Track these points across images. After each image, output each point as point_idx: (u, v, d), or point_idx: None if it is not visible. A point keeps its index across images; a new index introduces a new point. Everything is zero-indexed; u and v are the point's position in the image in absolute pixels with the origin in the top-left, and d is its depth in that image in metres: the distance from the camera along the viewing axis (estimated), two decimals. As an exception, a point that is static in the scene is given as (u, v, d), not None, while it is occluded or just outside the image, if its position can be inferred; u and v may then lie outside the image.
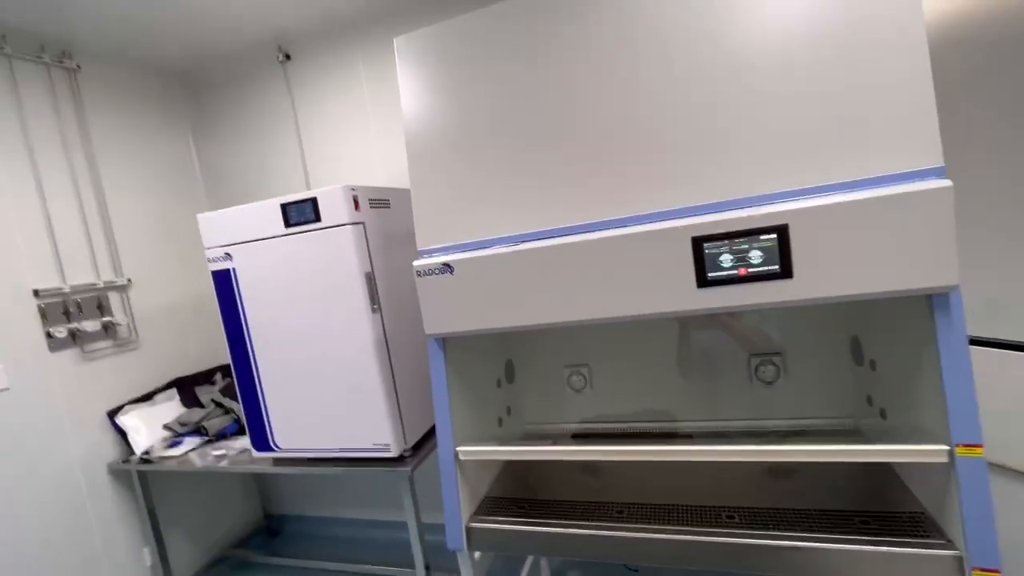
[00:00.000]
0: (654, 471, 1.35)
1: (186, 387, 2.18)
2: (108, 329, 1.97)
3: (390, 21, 1.98)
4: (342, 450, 1.55)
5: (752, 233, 0.95)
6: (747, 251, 0.96)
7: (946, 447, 0.91)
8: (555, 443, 1.29)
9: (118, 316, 2.00)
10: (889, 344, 1.17)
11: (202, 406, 2.11)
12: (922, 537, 0.97)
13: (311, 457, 1.60)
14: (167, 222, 2.27)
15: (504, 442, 1.43)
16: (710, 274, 0.99)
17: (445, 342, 1.26)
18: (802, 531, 1.03)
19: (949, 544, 0.94)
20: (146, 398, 2.05)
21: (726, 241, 0.97)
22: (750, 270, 0.96)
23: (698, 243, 0.99)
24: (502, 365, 1.64)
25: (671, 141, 1.02)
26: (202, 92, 2.36)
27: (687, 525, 1.11)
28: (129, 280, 2.07)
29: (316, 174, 2.21)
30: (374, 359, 1.44)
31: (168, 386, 2.14)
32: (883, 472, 1.21)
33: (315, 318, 1.48)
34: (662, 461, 1.10)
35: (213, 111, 2.35)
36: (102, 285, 1.97)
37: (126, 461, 1.91)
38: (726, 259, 0.98)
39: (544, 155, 1.12)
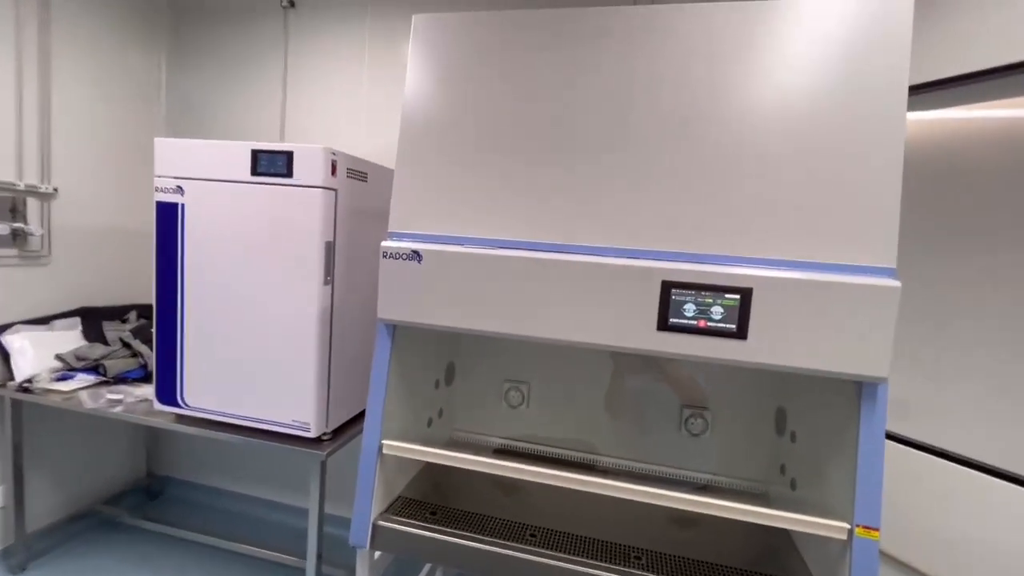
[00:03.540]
0: (566, 499, 1.35)
1: (92, 319, 1.98)
2: (17, 236, 1.75)
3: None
4: (257, 420, 1.45)
5: (719, 289, 0.99)
6: (711, 305, 0.99)
7: (847, 525, 0.97)
8: (491, 455, 1.26)
9: (32, 225, 1.79)
10: (812, 420, 1.24)
11: (106, 343, 1.92)
12: (807, 606, 1.02)
13: (219, 421, 1.49)
14: (117, 142, 2.07)
15: (431, 444, 1.38)
16: (672, 319, 1.01)
17: (395, 329, 1.22)
18: (703, 583, 1.06)
19: (831, 616, 0.99)
20: (43, 321, 1.84)
21: (693, 291, 1.00)
22: (709, 324, 1.00)
23: (667, 287, 1.01)
24: (443, 366, 1.60)
25: (655, 186, 1.05)
26: (187, 17, 2.20)
27: (599, 560, 1.12)
28: (55, 190, 1.87)
29: (292, 130, 2.11)
30: (315, 333, 1.37)
31: (72, 313, 1.94)
32: (781, 538, 1.28)
33: (261, 277, 1.38)
34: (575, 490, 1.11)
35: (196, 40, 2.20)
36: (22, 187, 1.76)
37: (2, 386, 1.69)
38: (690, 308, 1.01)
39: (533, 169, 1.12)
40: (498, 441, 1.63)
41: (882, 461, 0.96)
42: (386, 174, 1.67)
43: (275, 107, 2.11)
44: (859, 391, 0.99)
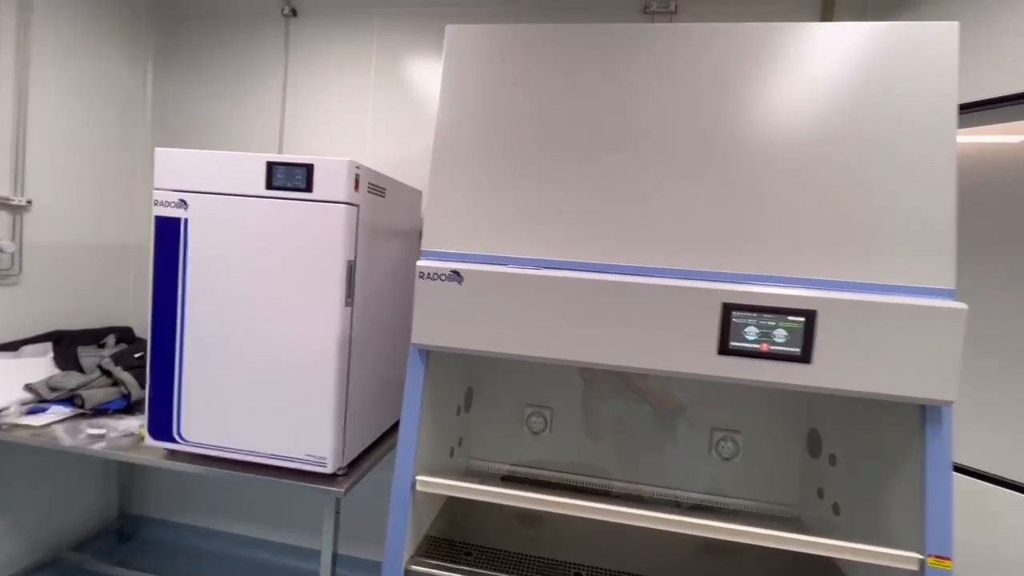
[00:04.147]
0: (589, 528, 1.28)
1: (66, 344, 1.80)
2: (-16, 254, 1.59)
3: (422, 10, 1.89)
4: (265, 455, 1.32)
5: (782, 312, 0.96)
6: (773, 328, 0.96)
7: (919, 555, 0.93)
8: (526, 487, 1.18)
9: (3, 241, 1.62)
10: (854, 443, 1.22)
11: (82, 370, 1.75)
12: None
13: (221, 457, 1.35)
14: (97, 154, 1.92)
15: (453, 475, 1.30)
16: (733, 343, 0.97)
17: (428, 356, 1.14)
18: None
19: (902, 652, 0.95)
20: (11, 347, 1.66)
21: (755, 314, 0.97)
22: (772, 347, 0.96)
23: (728, 310, 0.97)
24: (463, 392, 1.52)
25: (714, 205, 1.02)
26: (179, 24, 2.08)
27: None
28: (29, 202, 1.70)
29: (291, 145, 2.01)
30: (334, 359, 1.27)
31: (43, 338, 1.76)
32: (823, 565, 1.24)
33: (275, 298, 1.28)
34: (598, 519, 1.06)
35: (188, 48, 2.07)
36: (-8, 200, 1.60)
37: (-40, 421, 1.50)
38: (751, 332, 0.97)
39: (579, 186, 1.08)
40: (523, 470, 1.55)
41: (950, 486, 0.94)
42: (401, 189, 1.59)
43: (273, 120, 2.00)
44: (922, 415, 0.97)
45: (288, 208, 1.26)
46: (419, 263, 1.08)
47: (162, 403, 1.35)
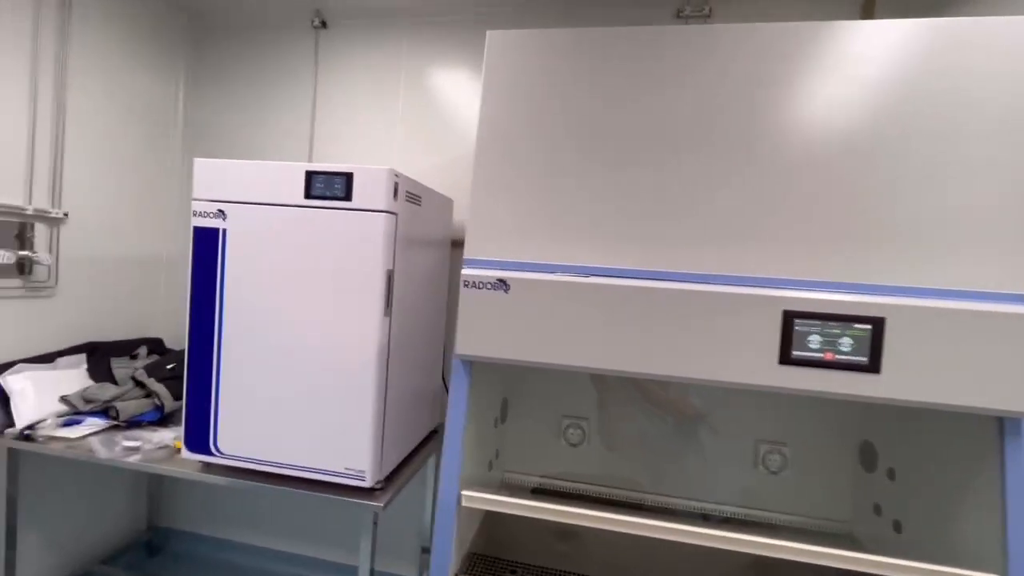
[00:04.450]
0: (625, 541, 1.24)
1: (99, 355, 1.80)
2: (24, 266, 1.59)
3: (452, 19, 1.89)
4: (303, 469, 1.30)
5: (847, 319, 0.92)
6: (838, 336, 0.92)
7: (1001, 578, 0.88)
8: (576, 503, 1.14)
9: (41, 254, 1.63)
10: (916, 456, 1.17)
11: (115, 382, 1.74)
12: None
13: (257, 470, 1.33)
14: (133, 166, 1.94)
15: (491, 488, 1.26)
16: (795, 352, 0.93)
17: (472, 367, 1.11)
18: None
19: None
20: (47, 359, 1.66)
21: (819, 322, 0.93)
22: (837, 356, 0.92)
23: (789, 318, 0.94)
24: (499, 403, 1.49)
25: (773, 208, 0.99)
26: (210, 37, 2.11)
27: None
28: (66, 215, 1.72)
29: (321, 154, 2.01)
30: (373, 370, 1.24)
31: (77, 350, 1.76)
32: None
33: (313, 309, 1.26)
34: (644, 536, 1.01)
35: (218, 61, 2.10)
36: (31, 212, 1.61)
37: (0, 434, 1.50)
38: (815, 340, 0.93)
39: (626, 191, 1.05)
40: (555, 482, 1.50)
41: (1034, 505, 0.89)
42: (435, 197, 1.58)
43: (303, 131, 2.01)
44: (1000, 427, 0.92)
45: (327, 217, 1.25)
46: (464, 272, 1.06)
47: (199, 415, 1.34)
